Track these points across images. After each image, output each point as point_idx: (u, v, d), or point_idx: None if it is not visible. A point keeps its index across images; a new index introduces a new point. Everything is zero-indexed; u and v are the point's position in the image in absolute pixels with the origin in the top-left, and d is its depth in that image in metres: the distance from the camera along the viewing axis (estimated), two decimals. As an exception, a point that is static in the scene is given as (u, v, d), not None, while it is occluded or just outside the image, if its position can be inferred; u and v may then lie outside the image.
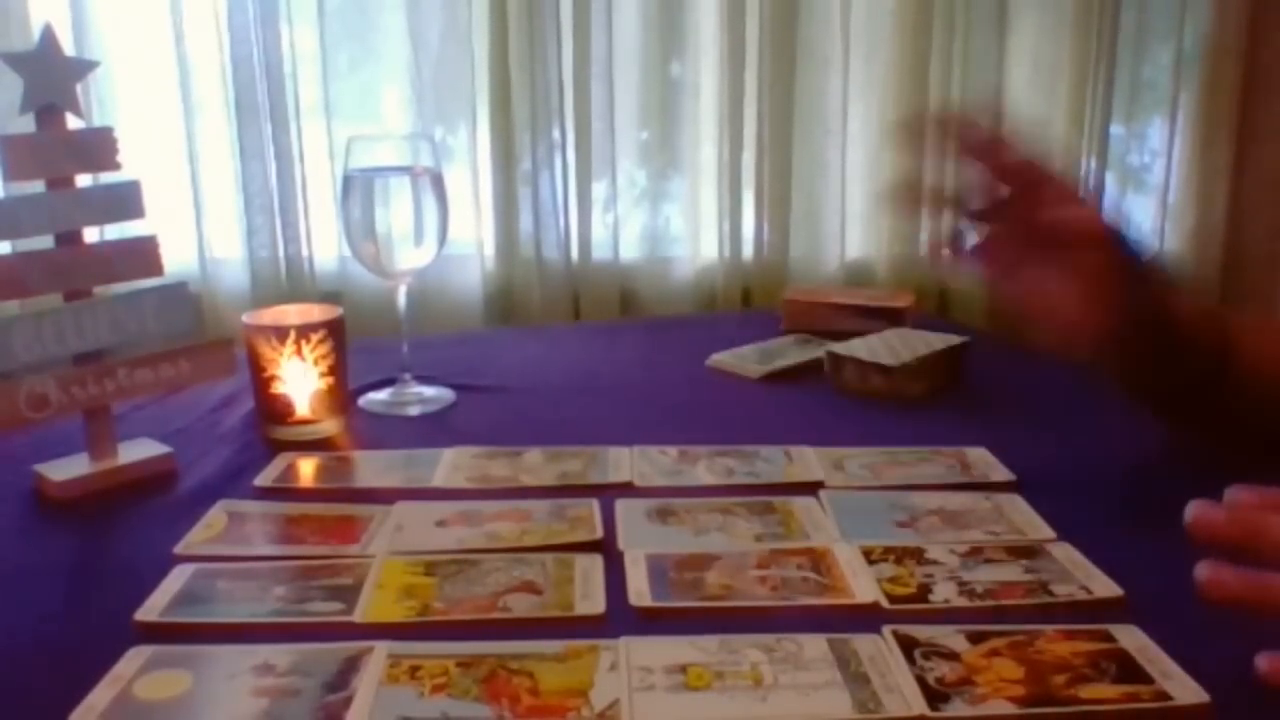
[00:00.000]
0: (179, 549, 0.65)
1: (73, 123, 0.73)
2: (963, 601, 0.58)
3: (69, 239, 0.73)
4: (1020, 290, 0.68)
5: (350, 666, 0.52)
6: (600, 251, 1.91)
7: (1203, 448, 0.72)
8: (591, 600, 0.58)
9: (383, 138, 0.94)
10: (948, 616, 0.56)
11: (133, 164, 0.76)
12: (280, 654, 0.53)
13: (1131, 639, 0.53)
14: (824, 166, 1.93)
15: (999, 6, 1.90)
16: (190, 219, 1.75)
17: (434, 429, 0.88)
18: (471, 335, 1.54)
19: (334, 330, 0.83)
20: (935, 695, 0.49)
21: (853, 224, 1.98)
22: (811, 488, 0.73)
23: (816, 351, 1.02)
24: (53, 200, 0.72)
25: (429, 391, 0.94)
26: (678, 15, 1.86)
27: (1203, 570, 0.45)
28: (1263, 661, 0.44)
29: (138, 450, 0.78)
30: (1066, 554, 0.63)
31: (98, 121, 1.65)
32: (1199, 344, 0.68)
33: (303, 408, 0.83)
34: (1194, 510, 0.45)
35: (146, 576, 0.60)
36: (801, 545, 0.65)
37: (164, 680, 0.51)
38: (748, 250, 1.95)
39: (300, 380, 0.82)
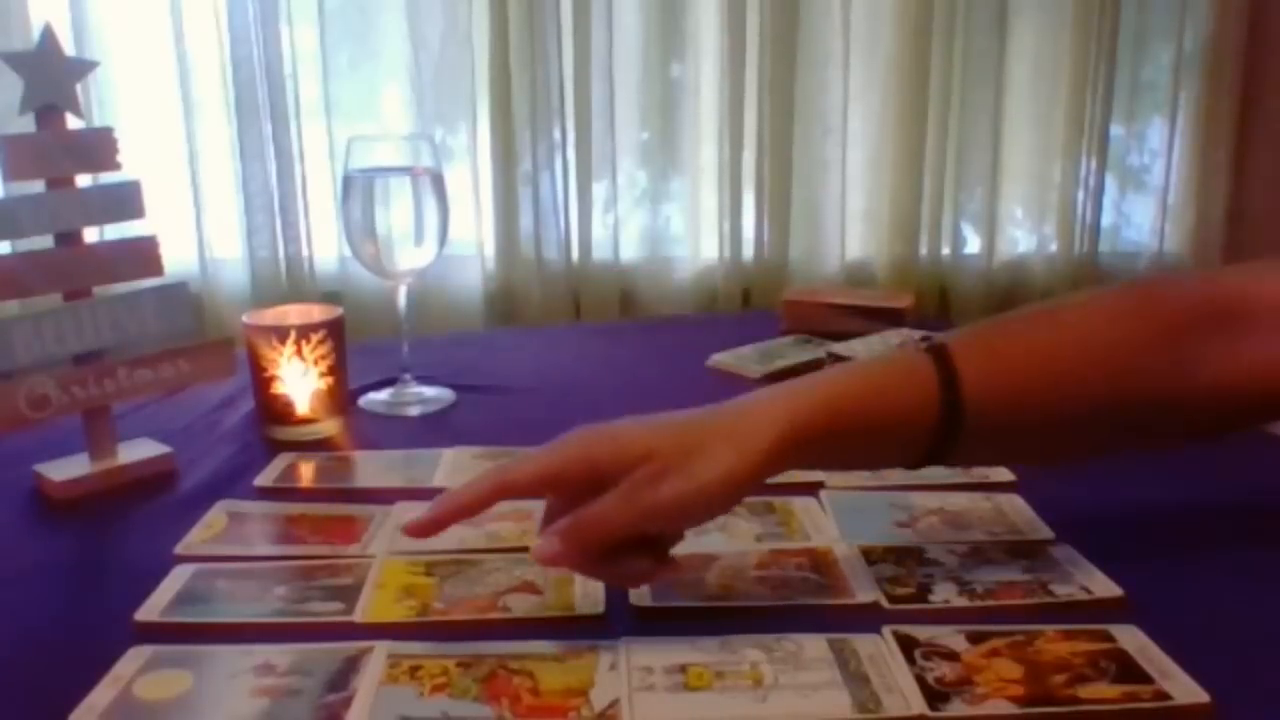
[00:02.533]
0: (179, 549, 0.65)
1: (73, 123, 0.73)
2: (963, 601, 0.58)
3: (69, 239, 0.73)
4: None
5: (350, 666, 0.52)
6: (600, 252, 1.91)
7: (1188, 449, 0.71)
8: (591, 600, 0.58)
9: (383, 138, 0.94)
10: (948, 616, 0.56)
11: (133, 164, 0.76)
12: (280, 654, 0.53)
13: (1131, 639, 0.53)
14: (824, 166, 1.93)
15: (999, 6, 1.91)
16: (190, 219, 1.76)
17: (434, 429, 0.88)
18: (471, 335, 1.54)
19: (334, 330, 0.83)
20: (935, 695, 0.49)
21: (853, 224, 1.98)
22: (811, 488, 0.73)
23: (816, 352, 1.02)
24: (53, 200, 0.72)
25: (429, 391, 0.94)
26: (678, 15, 1.86)
27: None
28: None
29: (138, 450, 0.78)
30: (1066, 554, 0.63)
31: (98, 121, 1.65)
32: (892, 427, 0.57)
33: (303, 408, 0.83)
34: None
35: (146, 576, 0.60)
36: (801, 545, 0.65)
37: (164, 680, 0.51)
38: (748, 250, 1.95)
39: (300, 380, 0.82)
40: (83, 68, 0.75)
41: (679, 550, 0.60)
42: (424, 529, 0.55)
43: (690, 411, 0.57)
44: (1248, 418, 0.65)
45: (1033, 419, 0.59)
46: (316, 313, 0.85)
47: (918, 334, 1.02)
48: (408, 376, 0.94)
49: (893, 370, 0.59)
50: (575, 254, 1.90)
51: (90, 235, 0.75)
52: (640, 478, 0.52)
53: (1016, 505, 0.70)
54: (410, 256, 0.90)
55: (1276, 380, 0.60)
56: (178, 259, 1.67)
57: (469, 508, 0.55)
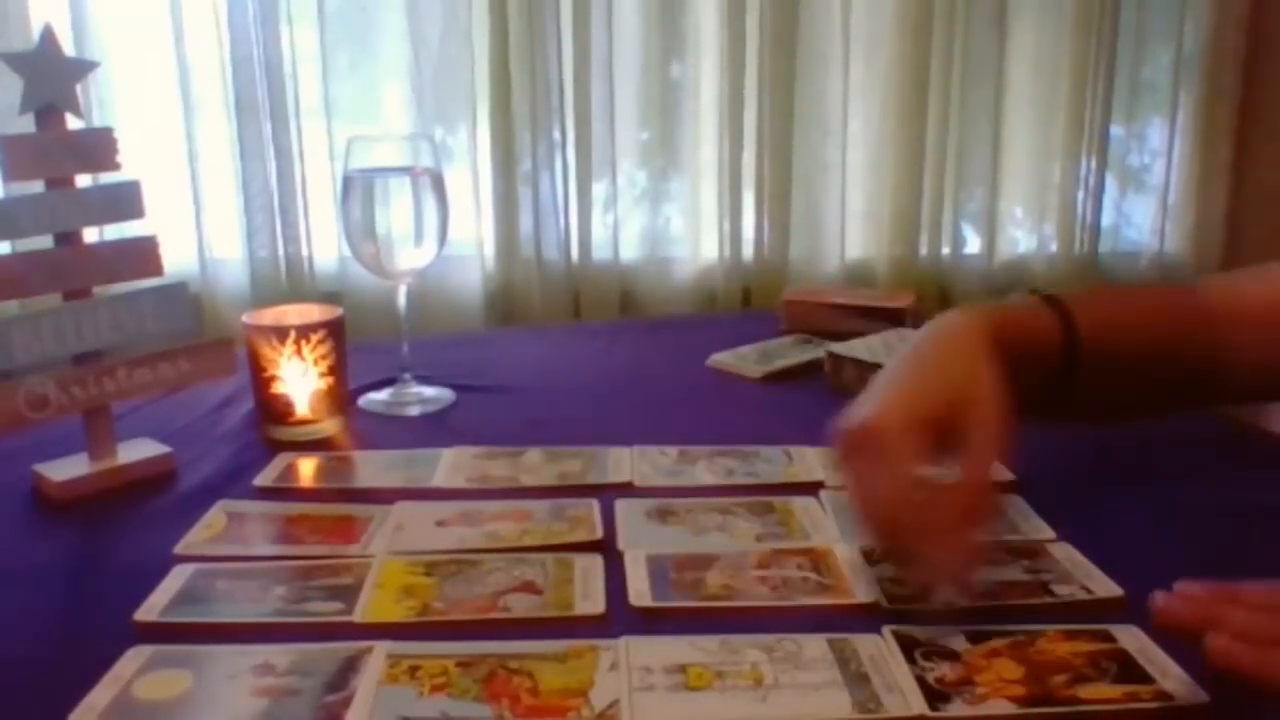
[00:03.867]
0: (179, 549, 0.65)
1: (73, 123, 0.73)
2: (963, 601, 0.58)
3: (69, 239, 0.73)
4: None
5: (350, 666, 0.52)
6: (600, 252, 1.91)
7: (1187, 444, 0.73)
8: (591, 600, 0.58)
9: (383, 138, 0.94)
10: (948, 616, 0.56)
11: (133, 164, 0.76)
12: (280, 654, 0.53)
13: (1131, 639, 0.53)
14: (824, 167, 1.93)
15: (999, 6, 1.90)
16: (190, 219, 1.76)
17: (434, 429, 0.88)
18: (471, 335, 1.54)
19: (334, 330, 0.83)
20: (935, 695, 0.49)
21: (853, 224, 1.98)
22: (811, 488, 0.73)
23: (816, 351, 1.02)
24: (53, 200, 0.72)
25: (429, 391, 0.94)
26: (678, 15, 1.86)
27: (1157, 601, 0.49)
28: (1218, 640, 0.46)
29: (138, 450, 0.78)
30: (1066, 554, 0.63)
31: (98, 121, 1.65)
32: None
33: (303, 408, 0.83)
34: (1160, 602, 0.49)
35: (146, 576, 0.60)
36: (801, 545, 0.65)
37: (164, 680, 0.51)
38: (748, 250, 1.95)
39: (300, 380, 0.82)
40: (83, 68, 0.75)
41: (680, 550, 0.60)
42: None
43: (909, 369, 0.63)
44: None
45: (1136, 359, 0.69)
46: (316, 313, 0.85)
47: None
48: (408, 376, 0.94)
49: (1022, 306, 0.69)
50: (575, 254, 1.90)
51: (90, 235, 0.75)
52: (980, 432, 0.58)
53: (1016, 505, 0.70)
54: (410, 256, 0.90)
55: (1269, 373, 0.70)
56: (178, 259, 1.67)
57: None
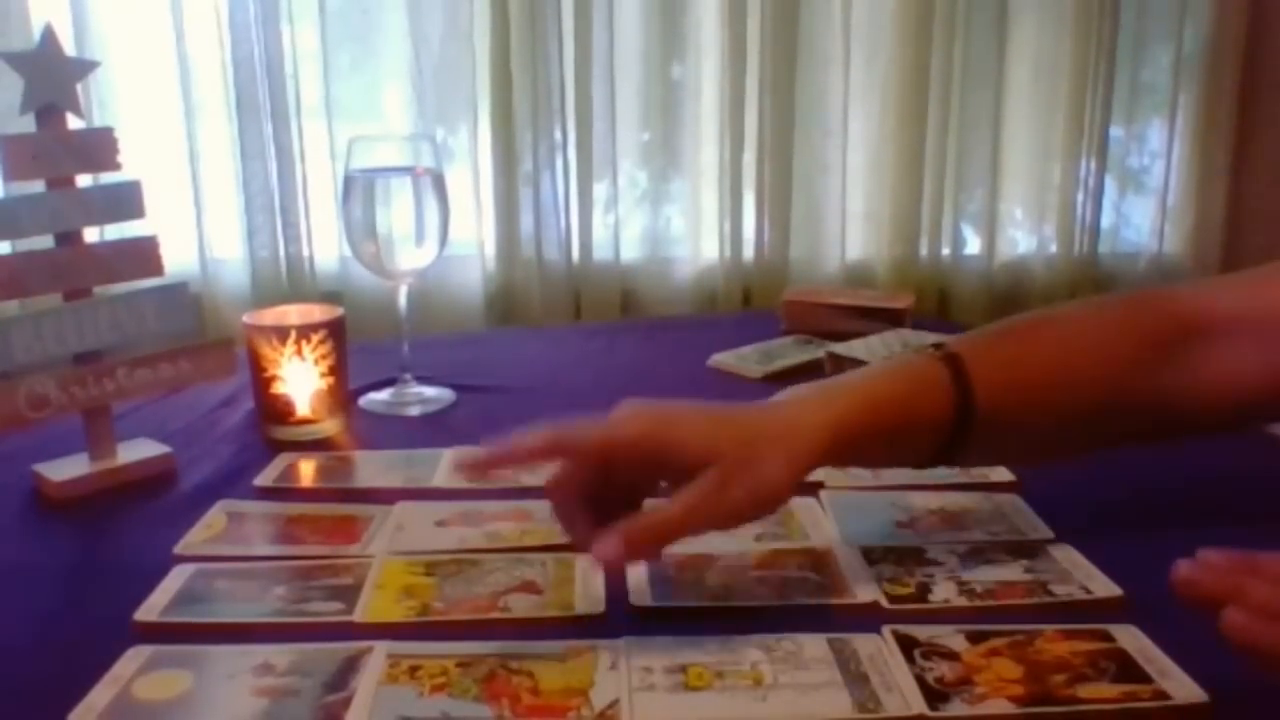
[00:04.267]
0: (179, 549, 0.65)
1: (73, 123, 0.73)
2: (962, 601, 0.58)
3: (69, 239, 0.73)
4: None
5: (350, 666, 0.52)
6: (601, 252, 1.91)
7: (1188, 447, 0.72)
8: (591, 600, 0.58)
9: (384, 138, 0.94)
10: (948, 616, 0.56)
11: (133, 164, 0.76)
12: (280, 654, 0.53)
13: (1131, 639, 0.53)
14: (824, 167, 1.93)
15: (999, 7, 1.91)
16: (190, 219, 1.75)
17: (434, 429, 0.88)
18: (471, 335, 1.54)
19: (334, 330, 0.83)
20: (935, 695, 0.49)
21: (853, 224, 1.98)
22: (811, 488, 0.73)
23: (816, 352, 1.02)
24: (53, 200, 0.72)
25: (429, 391, 0.94)
26: (678, 16, 1.86)
27: (1180, 570, 0.47)
28: (1236, 616, 0.44)
29: (137, 450, 0.78)
30: (1066, 554, 0.63)
31: (98, 121, 1.65)
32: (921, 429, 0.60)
33: (303, 408, 0.83)
34: (1183, 571, 0.47)
35: (146, 576, 0.60)
36: (801, 545, 0.65)
37: (164, 680, 0.51)
38: (748, 251, 1.95)
39: (300, 380, 0.82)
40: (83, 68, 0.76)
41: (680, 550, 0.60)
42: (474, 468, 0.57)
43: (736, 408, 0.59)
44: (1234, 421, 0.69)
45: (1036, 420, 0.63)
46: (317, 313, 0.85)
47: (918, 335, 1.02)
48: (408, 376, 0.94)
49: (913, 375, 0.61)
50: (576, 254, 1.90)
51: (90, 235, 0.75)
52: (707, 485, 0.53)
53: (1016, 505, 0.70)
54: (410, 256, 0.90)
55: (1241, 389, 0.64)
56: (178, 259, 1.67)
57: (521, 457, 0.57)
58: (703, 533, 0.55)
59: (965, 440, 0.60)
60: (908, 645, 0.53)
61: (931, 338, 1.00)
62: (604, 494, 0.56)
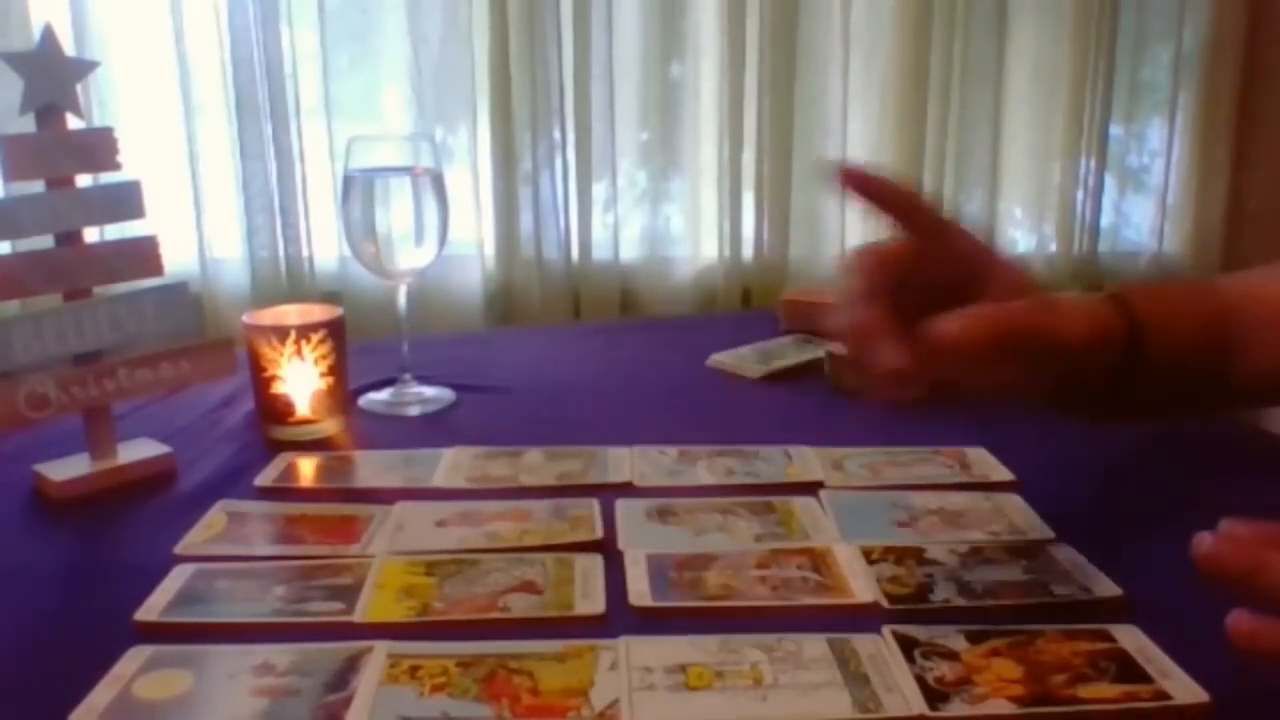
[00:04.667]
0: (179, 549, 0.65)
1: (73, 123, 0.73)
2: (963, 601, 0.58)
3: (69, 239, 0.73)
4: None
5: (350, 666, 0.52)
6: (600, 252, 1.91)
7: (1191, 445, 0.72)
8: (591, 600, 0.58)
9: (383, 138, 0.94)
10: (948, 616, 0.56)
11: (133, 164, 0.76)
12: (280, 654, 0.53)
13: (1131, 639, 0.53)
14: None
15: (999, 7, 1.91)
16: (190, 219, 1.76)
17: (434, 429, 0.88)
18: (471, 335, 1.54)
19: (334, 330, 0.83)
20: (935, 695, 0.49)
21: (853, 224, 1.98)
22: (811, 488, 0.73)
23: (816, 352, 1.02)
24: (53, 200, 0.72)
25: (429, 391, 0.94)
26: (678, 15, 1.86)
27: (1203, 544, 0.47)
28: (1243, 621, 0.44)
29: (138, 450, 0.78)
30: (1066, 554, 0.63)
31: (98, 121, 1.65)
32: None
33: (303, 408, 0.83)
34: (1205, 546, 0.46)
35: (146, 576, 0.60)
36: (801, 545, 0.65)
37: (164, 680, 0.51)
38: (748, 250, 1.95)
39: (300, 380, 0.82)
40: (83, 68, 0.75)
41: (680, 550, 0.60)
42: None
43: None
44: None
45: (1183, 360, 0.66)
46: (316, 313, 0.85)
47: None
48: (408, 376, 0.94)
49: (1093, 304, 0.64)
50: (575, 254, 1.90)
51: (90, 235, 0.75)
52: (1038, 301, 0.56)
53: (1016, 505, 0.70)
54: (410, 256, 0.90)
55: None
56: (178, 259, 1.67)
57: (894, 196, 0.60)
58: (1031, 341, 0.56)
59: (1138, 360, 0.63)
60: (908, 645, 0.53)
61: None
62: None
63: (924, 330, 0.53)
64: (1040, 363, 0.59)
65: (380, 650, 0.53)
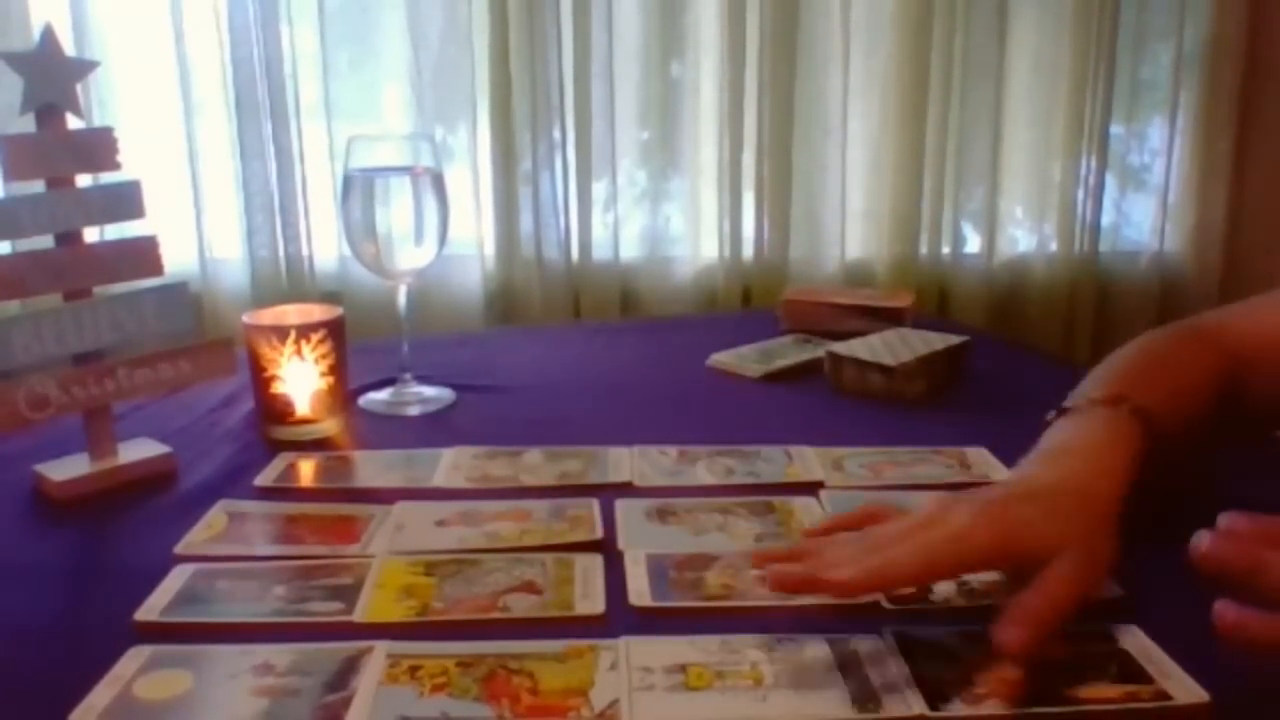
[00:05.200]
0: (179, 549, 0.65)
1: (73, 123, 0.73)
2: (962, 601, 0.58)
3: (69, 239, 0.73)
4: None
5: (350, 666, 0.52)
6: (600, 251, 1.91)
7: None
8: (591, 600, 0.58)
9: (383, 137, 0.94)
10: (948, 617, 0.56)
11: (133, 164, 0.76)
12: (280, 654, 0.53)
13: (1131, 639, 0.53)
14: (824, 166, 1.93)
15: (999, 6, 1.91)
16: (190, 219, 1.76)
17: (434, 429, 0.88)
18: (471, 335, 1.54)
19: (334, 330, 0.83)
20: (935, 695, 0.49)
21: (853, 224, 1.98)
22: (811, 488, 0.73)
23: (816, 351, 1.02)
24: (53, 200, 0.72)
25: (429, 391, 0.94)
26: (678, 15, 1.86)
27: (1202, 543, 0.47)
28: (1228, 612, 0.44)
29: (138, 450, 0.78)
30: (1066, 554, 0.63)
31: (98, 121, 1.65)
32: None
33: (303, 408, 0.83)
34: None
35: (146, 576, 0.60)
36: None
37: (164, 680, 0.51)
38: (748, 250, 1.95)
39: (300, 380, 0.82)
40: (83, 68, 0.75)
41: (680, 550, 0.59)
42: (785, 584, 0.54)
43: (1047, 484, 0.59)
44: None
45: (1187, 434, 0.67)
46: (316, 312, 0.85)
47: (918, 334, 1.02)
48: (408, 376, 0.94)
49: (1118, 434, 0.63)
50: (575, 254, 1.90)
51: (90, 235, 0.75)
52: (1075, 565, 0.53)
53: (1016, 505, 0.69)
54: (410, 256, 0.90)
55: None
56: (178, 259, 1.67)
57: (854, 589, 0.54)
58: (1075, 604, 0.53)
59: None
60: (908, 645, 0.53)
61: (931, 336, 1.00)
62: None
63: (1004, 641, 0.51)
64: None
65: (380, 650, 0.53)
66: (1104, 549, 0.56)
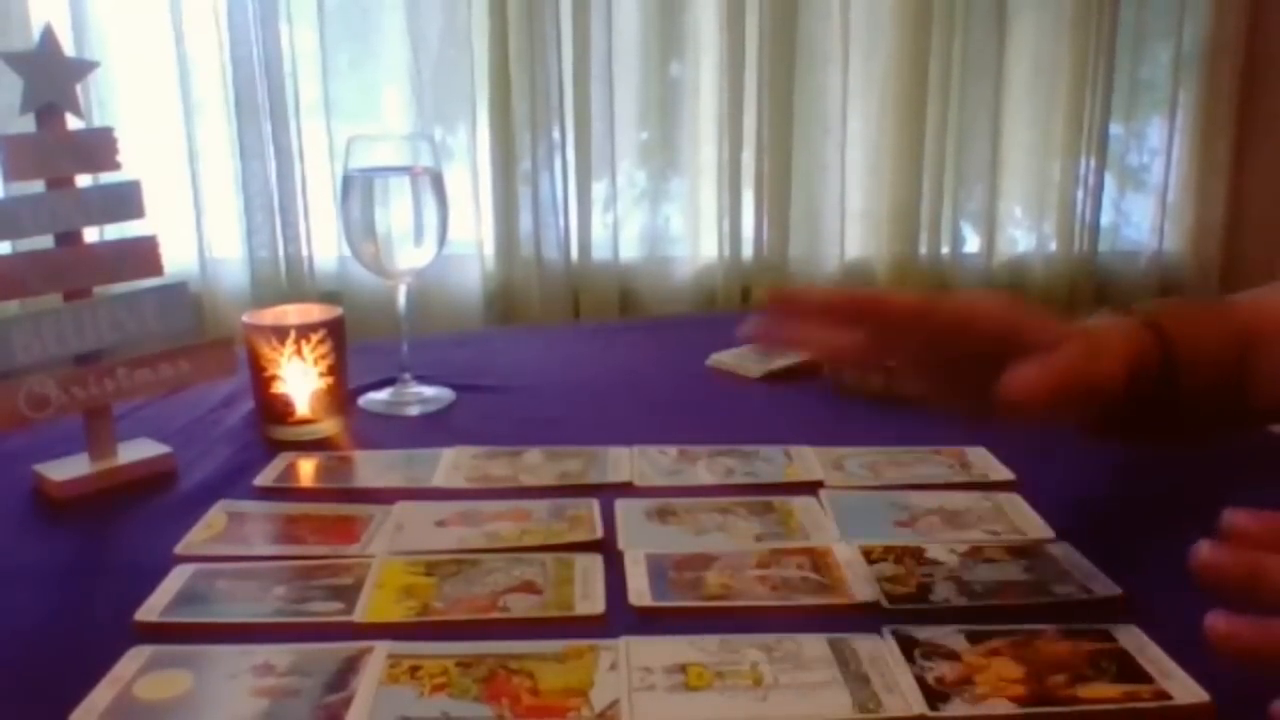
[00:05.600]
0: (179, 549, 0.64)
1: (73, 123, 0.73)
2: (963, 601, 0.58)
3: (69, 239, 0.73)
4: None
5: (350, 666, 0.52)
6: (600, 251, 1.91)
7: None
8: (591, 600, 0.58)
9: (383, 137, 0.94)
10: (948, 616, 0.56)
11: (133, 164, 0.76)
12: (280, 654, 0.53)
13: (1131, 639, 0.53)
14: (824, 166, 1.94)
15: (999, 6, 1.91)
16: (190, 219, 1.76)
17: (434, 429, 0.88)
18: (471, 335, 1.54)
19: (334, 330, 0.83)
20: (935, 695, 0.49)
21: (853, 224, 1.98)
22: (811, 487, 0.73)
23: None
24: (53, 200, 0.72)
25: (429, 391, 0.94)
26: (678, 15, 1.86)
27: (1201, 553, 0.46)
28: (1219, 622, 0.44)
29: (138, 450, 0.78)
30: (1066, 554, 0.63)
31: (98, 121, 1.65)
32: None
33: (303, 408, 0.83)
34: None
35: (146, 576, 0.60)
36: (801, 545, 0.65)
37: (164, 680, 0.51)
38: (747, 250, 1.95)
39: (300, 380, 0.82)
40: (83, 68, 0.75)
41: (680, 550, 0.59)
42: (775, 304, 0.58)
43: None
44: None
45: (1211, 381, 0.65)
46: (316, 312, 0.85)
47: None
48: (408, 376, 0.94)
49: (1128, 331, 0.64)
50: (575, 254, 1.90)
51: (90, 235, 0.75)
52: (1078, 351, 0.56)
53: (1016, 505, 0.70)
54: (410, 256, 0.90)
55: None
56: (178, 259, 1.67)
57: (828, 305, 0.57)
58: (1076, 395, 0.56)
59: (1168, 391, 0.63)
60: (908, 645, 0.53)
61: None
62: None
63: (998, 394, 0.53)
64: (1082, 403, 0.60)
65: (380, 650, 0.53)
66: (1107, 361, 0.58)
